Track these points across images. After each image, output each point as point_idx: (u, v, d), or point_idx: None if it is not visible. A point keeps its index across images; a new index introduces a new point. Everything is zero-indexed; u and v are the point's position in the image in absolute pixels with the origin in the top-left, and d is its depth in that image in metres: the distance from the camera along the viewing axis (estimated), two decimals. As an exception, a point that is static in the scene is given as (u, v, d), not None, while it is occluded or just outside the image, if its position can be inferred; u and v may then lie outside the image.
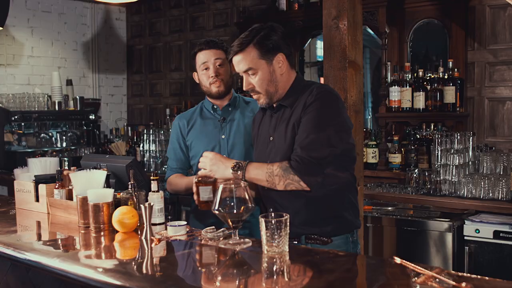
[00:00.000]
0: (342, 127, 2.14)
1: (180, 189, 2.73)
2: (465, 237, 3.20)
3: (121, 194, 2.31)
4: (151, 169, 5.02)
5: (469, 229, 3.19)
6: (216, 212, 1.90)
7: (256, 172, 2.14)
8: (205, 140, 2.73)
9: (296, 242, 2.18)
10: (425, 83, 4.05)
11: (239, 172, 2.15)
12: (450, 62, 4.00)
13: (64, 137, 5.58)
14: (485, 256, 3.14)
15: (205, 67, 2.70)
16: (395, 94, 4.10)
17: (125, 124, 6.42)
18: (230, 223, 1.90)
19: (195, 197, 2.27)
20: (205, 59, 2.69)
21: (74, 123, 5.63)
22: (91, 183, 2.33)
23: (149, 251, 1.99)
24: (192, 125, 2.80)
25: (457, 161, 3.50)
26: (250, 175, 2.15)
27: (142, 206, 2.07)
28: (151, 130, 5.14)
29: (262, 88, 2.20)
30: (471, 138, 3.62)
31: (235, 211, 1.87)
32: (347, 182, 2.22)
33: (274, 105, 2.27)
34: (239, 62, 2.20)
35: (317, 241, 2.18)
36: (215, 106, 2.78)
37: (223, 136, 2.72)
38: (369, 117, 4.88)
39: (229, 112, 2.77)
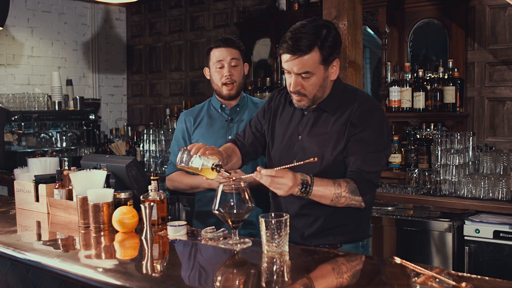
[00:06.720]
0: (388, 147, 2.11)
1: (183, 188, 2.70)
2: (465, 237, 3.20)
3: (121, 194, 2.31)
4: (151, 169, 5.02)
5: (469, 229, 3.19)
6: (216, 212, 1.89)
7: (322, 191, 1.95)
8: (212, 139, 2.68)
9: None
10: (425, 83, 4.05)
11: (307, 189, 1.92)
12: (450, 62, 4.00)
13: (64, 137, 5.57)
14: (485, 256, 3.14)
15: (220, 66, 2.65)
16: (395, 94, 4.10)
17: (125, 124, 6.41)
18: (230, 223, 1.90)
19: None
20: (221, 57, 2.63)
21: (74, 123, 5.63)
22: (91, 183, 2.33)
23: (149, 251, 1.99)
24: (199, 123, 2.76)
25: (457, 161, 3.50)
26: (315, 194, 1.95)
27: (142, 206, 2.07)
28: (151, 130, 5.13)
29: (311, 93, 2.05)
30: (471, 138, 3.61)
31: (235, 211, 1.87)
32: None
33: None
34: (297, 64, 1.98)
35: (326, 246, 2.16)
36: (223, 106, 2.74)
37: (230, 137, 2.67)
38: (369, 117, 4.87)
39: (237, 112, 2.74)
